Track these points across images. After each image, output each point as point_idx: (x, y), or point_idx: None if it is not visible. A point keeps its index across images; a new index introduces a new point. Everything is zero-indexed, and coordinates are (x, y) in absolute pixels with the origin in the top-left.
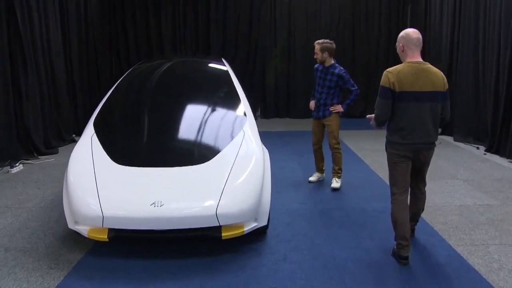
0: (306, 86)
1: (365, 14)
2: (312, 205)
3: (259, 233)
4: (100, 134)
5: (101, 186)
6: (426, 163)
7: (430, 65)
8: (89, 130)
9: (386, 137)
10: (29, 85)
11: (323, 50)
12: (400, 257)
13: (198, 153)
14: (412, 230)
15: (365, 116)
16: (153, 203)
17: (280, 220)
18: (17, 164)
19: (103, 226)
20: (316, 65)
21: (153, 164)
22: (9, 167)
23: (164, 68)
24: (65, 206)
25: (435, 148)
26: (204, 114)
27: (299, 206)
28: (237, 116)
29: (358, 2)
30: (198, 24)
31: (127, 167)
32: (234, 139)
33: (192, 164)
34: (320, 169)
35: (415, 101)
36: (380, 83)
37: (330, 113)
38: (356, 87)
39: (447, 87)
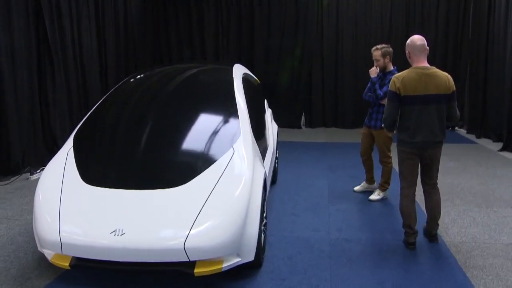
0: (354, 94)
1: (420, 16)
2: (326, 234)
3: (251, 267)
4: (77, 149)
5: (64, 208)
6: (434, 161)
7: (435, 69)
8: (69, 143)
9: (396, 136)
10: (56, 90)
11: (384, 55)
12: (407, 243)
13: (175, 174)
14: (434, 236)
15: None
16: (114, 231)
17: (282, 251)
18: (37, 171)
19: (62, 253)
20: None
21: (124, 185)
22: (29, 173)
23: (158, 78)
24: (33, 226)
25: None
26: (191, 130)
27: (310, 234)
28: (228, 132)
29: (412, 2)
30: (241, 30)
31: (96, 187)
32: (220, 159)
33: (166, 187)
34: (368, 179)
35: (419, 104)
36: (389, 88)
37: (382, 125)
38: None
39: (454, 89)
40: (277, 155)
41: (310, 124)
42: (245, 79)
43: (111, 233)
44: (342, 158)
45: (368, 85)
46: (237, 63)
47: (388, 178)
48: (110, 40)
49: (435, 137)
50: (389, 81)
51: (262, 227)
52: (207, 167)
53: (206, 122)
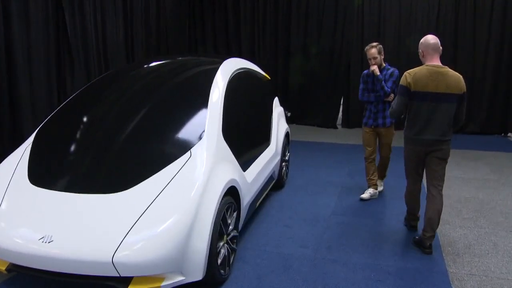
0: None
1: (471, 6)
2: (312, 251)
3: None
4: (35, 146)
5: (3, 209)
6: (440, 160)
7: (448, 69)
8: (30, 139)
9: (404, 133)
10: (75, 85)
11: (380, 52)
12: (410, 225)
13: (120, 179)
14: (428, 246)
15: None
16: (43, 237)
17: (254, 269)
18: None
19: None
20: (365, 71)
21: (65, 188)
22: None
23: (132, 75)
24: None
25: None
26: (149, 132)
27: (295, 250)
28: (189, 134)
29: None
30: (278, 24)
31: (39, 188)
32: (172, 164)
33: (107, 192)
34: (374, 184)
35: (428, 101)
36: (400, 82)
37: (391, 122)
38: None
39: (465, 90)
40: (286, 158)
41: (347, 124)
42: (242, 75)
43: (39, 239)
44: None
45: (361, 86)
46: (251, 57)
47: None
48: (138, 32)
49: (442, 135)
50: (389, 75)
51: (225, 243)
52: (155, 173)
53: (166, 123)
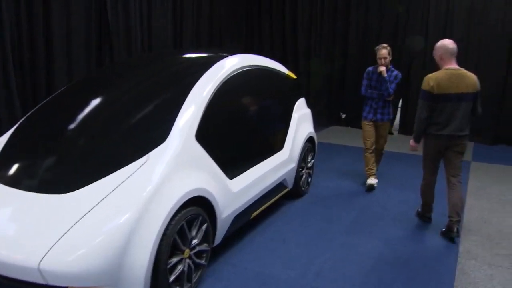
0: None
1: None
2: (298, 276)
3: None
4: (12, 138)
5: None
6: (458, 153)
7: (465, 70)
8: (7, 134)
9: (425, 130)
10: None
11: (389, 53)
12: (424, 216)
13: (68, 179)
14: (456, 231)
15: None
16: None
17: None
18: None
19: None
20: (370, 68)
21: (15, 184)
22: None
23: (117, 70)
24: None
25: None
26: (112, 131)
27: (279, 272)
28: (151, 136)
29: None
30: (335, 28)
31: None
32: (125, 168)
33: (51, 192)
34: (373, 174)
35: (451, 101)
36: (422, 87)
37: (388, 118)
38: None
39: (479, 88)
40: (309, 165)
41: (405, 129)
42: (249, 74)
43: None
44: (413, 173)
45: (365, 82)
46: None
47: None
48: (188, 25)
49: (462, 130)
50: (394, 77)
51: (186, 258)
52: (104, 176)
53: (130, 124)
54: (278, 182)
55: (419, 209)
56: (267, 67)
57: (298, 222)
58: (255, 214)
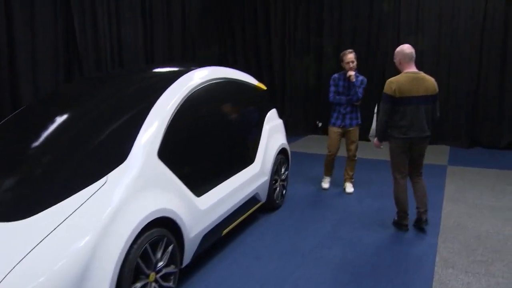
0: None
1: None
2: None
3: None
4: None
5: None
6: (422, 154)
7: (424, 74)
8: None
9: (389, 133)
10: None
11: (355, 58)
12: (401, 225)
13: (24, 205)
14: (425, 220)
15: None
16: None
17: None
18: None
19: None
20: (336, 75)
21: None
22: None
23: (78, 88)
24: None
25: None
26: (70, 153)
27: None
28: (110, 157)
29: None
30: (309, 31)
31: None
32: (83, 191)
33: (7, 220)
34: (331, 174)
35: (412, 104)
36: (384, 91)
37: (357, 123)
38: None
39: (437, 91)
40: (283, 177)
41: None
42: (215, 87)
43: None
44: (391, 179)
45: (332, 89)
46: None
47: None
48: (159, 39)
49: (424, 132)
50: (360, 82)
51: (152, 282)
52: (62, 200)
53: (88, 145)
54: (250, 196)
55: (395, 218)
56: (235, 79)
57: (271, 236)
58: (226, 231)
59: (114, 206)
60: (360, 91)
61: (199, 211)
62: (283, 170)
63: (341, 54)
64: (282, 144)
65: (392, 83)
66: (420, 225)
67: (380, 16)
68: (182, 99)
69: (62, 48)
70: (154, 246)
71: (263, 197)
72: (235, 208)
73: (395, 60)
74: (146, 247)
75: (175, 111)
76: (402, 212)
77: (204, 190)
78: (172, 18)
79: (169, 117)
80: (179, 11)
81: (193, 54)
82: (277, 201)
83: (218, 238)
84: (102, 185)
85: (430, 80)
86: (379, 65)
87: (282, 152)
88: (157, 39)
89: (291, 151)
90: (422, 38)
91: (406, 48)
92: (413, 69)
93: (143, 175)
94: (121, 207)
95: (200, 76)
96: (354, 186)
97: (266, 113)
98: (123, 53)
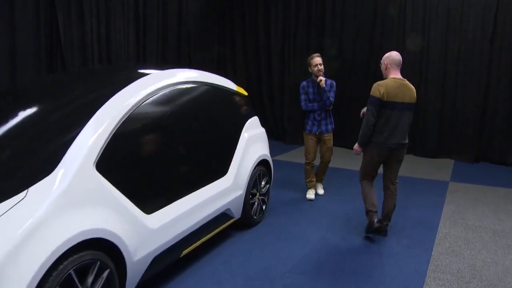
0: (440, 112)
1: None
2: None
3: None
4: None
5: None
6: (399, 161)
7: (407, 82)
8: None
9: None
10: None
11: (322, 61)
12: (372, 222)
13: None
14: (385, 231)
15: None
16: None
17: None
18: None
19: None
20: (304, 82)
21: None
22: None
23: (25, 90)
24: None
25: None
26: None
27: None
28: (34, 168)
29: None
30: (310, 35)
31: None
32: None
33: None
34: (313, 186)
35: (396, 109)
36: (371, 94)
37: (332, 128)
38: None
39: (416, 100)
40: (263, 191)
41: None
42: (183, 92)
43: None
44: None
45: (303, 97)
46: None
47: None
48: (153, 38)
49: (404, 139)
50: (330, 86)
51: None
52: None
53: (18, 152)
54: (220, 212)
55: (367, 222)
56: (209, 83)
57: (242, 258)
58: (187, 251)
59: (29, 226)
60: (331, 95)
61: (147, 231)
62: (263, 183)
63: (308, 58)
64: (263, 155)
65: (381, 86)
66: (378, 231)
67: (384, 21)
68: (136, 104)
69: (45, 48)
70: (84, 271)
71: (237, 213)
72: (198, 226)
73: (382, 65)
74: (70, 273)
75: (126, 116)
76: (370, 206)
77: (156, 206)
78: (167, 17)
79: (115, 123)
80: (175, 10)
81: (188, 54)
82: (255, 217)
83: (176, 260)
84: (20, 201)
85: (412, 89)
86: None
87: (263, 163)
88: (150, 39)
89: (287, 161)
90: (428, 45)
91: (394, 54)
92: (399, 75)
93: (73, 190)
94: (39, 227)
95: (161, 80)
96: (337, 195)
97: (246, 121)
98: (113, 54)
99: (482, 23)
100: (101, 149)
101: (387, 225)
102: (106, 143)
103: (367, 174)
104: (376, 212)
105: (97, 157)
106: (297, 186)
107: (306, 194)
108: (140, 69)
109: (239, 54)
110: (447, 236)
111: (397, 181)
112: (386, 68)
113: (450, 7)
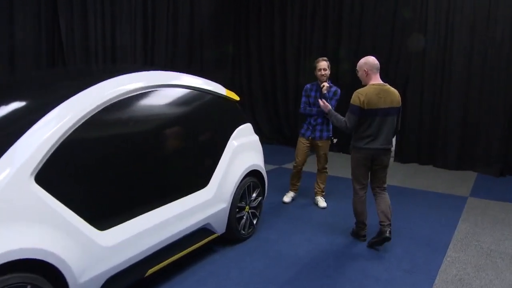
0: (463, 120)
1: None
2: None
3: None
4: None
5: None
6: (385, 166)
7: (389, 86)
8: None
9: (352, 143)
10: None
11: (329, 66)
12: (359, 235)
13: None
14: (388, 234)
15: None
16: None
17: None
18: None
19: None
20: (308, 85)
21: None
22: None
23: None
24: None
25: None
26: None
27: None
28: None
29: None
30: (326, 39)
31: None
32: None
33: None
34: (296, 189)
35: (379, 116)
36: (351, 102)
37: (327, 136)
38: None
39: (401, 103)
40: (254, 204)
41: (401, 157)
42: (162, 94)
43: None
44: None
45: (303, 99)
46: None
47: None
48: (162, 42)
49: (389, 144)
50: (333, 93)
51: None
52: None
53: None
54: (197, 227)
55: (354, 228)
56: (191, 86)
57: (218, 280)
58: (152, 270)
59: None
60: (333, 103)
61: (99, 249)
62: (254, 195)
63: (315, 61)
64: (253, 165)
65: (361, 95)
66: (383, 236)
67: (404, 24)
68: (95, 108)
69: (46, 51)
70: None
71: (220, 229)
72: (168, 243)
73: (359, 73)
74: None
75: (80, 122)
76: (360, 223)
77: (112, 222)
78: (178, 17)
79: (65, 130)
80: (187, 10)
81: (200, 54)
82: (243, 232)
83: (139, 280)
84: None
85: (395, 93)
86: (400, 82)
87: (254, 174)
88: (159, 40)
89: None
90: (451, 48)
91: (372, 59)
92: (379, 80)
93: (1, 204)
94: None
95: (131, 82)
96: (340, 209)
97: (235, 128)
98: (118, 56)
99: (511, 26)
100: (43, 158)
101: (389, 224)
102: (52, 151)
103: (357, 180)
104: (366, 227)
105: (37, 167)
106: (300, 198)
107: (284, 196)
108: (113, 71)
109: (253, 56)
110: (455, 261)
111: (385, 186)
112: (366, 75)
113: (476, 6)
